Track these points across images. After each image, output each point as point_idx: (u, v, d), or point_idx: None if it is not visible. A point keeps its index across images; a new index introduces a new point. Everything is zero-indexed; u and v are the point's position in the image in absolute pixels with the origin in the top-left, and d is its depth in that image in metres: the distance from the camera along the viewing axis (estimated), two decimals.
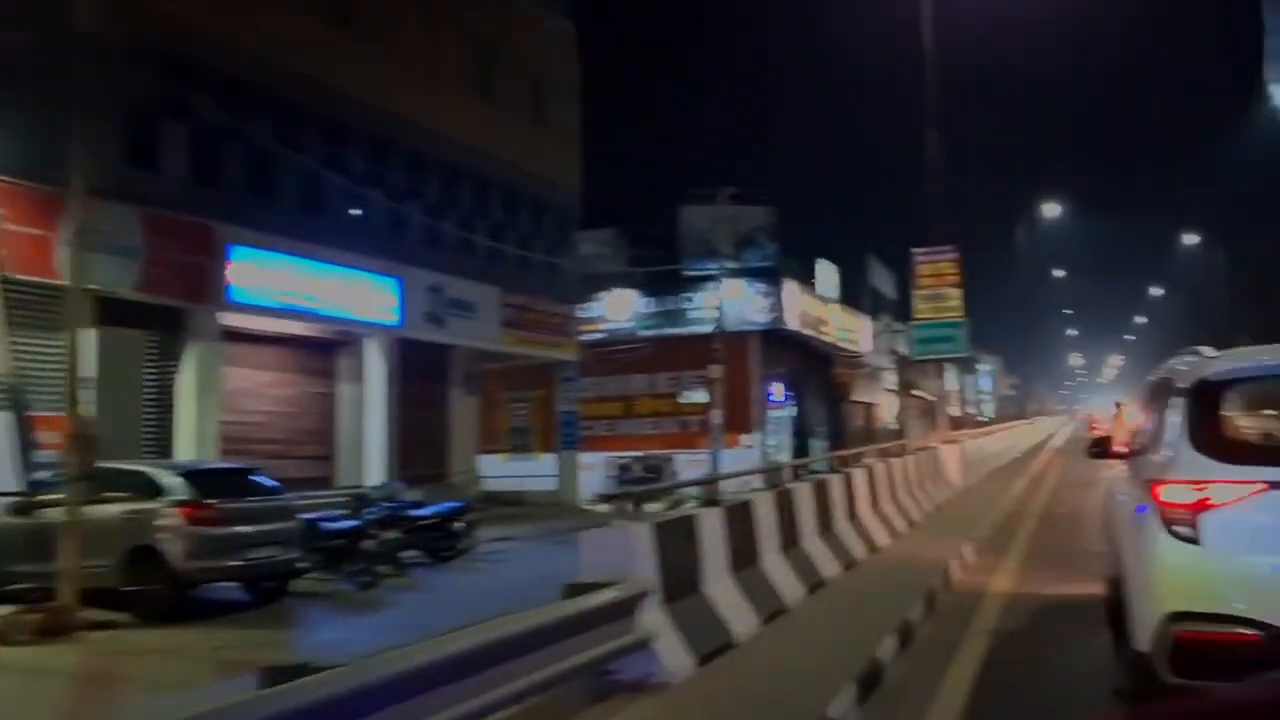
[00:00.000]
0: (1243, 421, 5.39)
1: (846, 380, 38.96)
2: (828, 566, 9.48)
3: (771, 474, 13.10)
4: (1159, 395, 5.83)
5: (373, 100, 18.99)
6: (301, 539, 12.01)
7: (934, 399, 54.93)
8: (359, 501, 13.99)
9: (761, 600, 7.61)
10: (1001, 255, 57.63)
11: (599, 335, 31.36)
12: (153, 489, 11.11)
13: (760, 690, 5.97)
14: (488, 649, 4.39)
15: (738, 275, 30.17)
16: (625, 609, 5.63)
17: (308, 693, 3.33)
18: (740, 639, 6.91)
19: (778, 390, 32.29)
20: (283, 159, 17.44)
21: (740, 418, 30.15)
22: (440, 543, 14.80)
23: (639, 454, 30.38)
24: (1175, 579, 4.75)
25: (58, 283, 11.48)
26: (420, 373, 20.91)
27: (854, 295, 39.47)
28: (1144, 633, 4.78)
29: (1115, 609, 5.78)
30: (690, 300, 30.23)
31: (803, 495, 9.63)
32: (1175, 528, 4.73)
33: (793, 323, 30.48)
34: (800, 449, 33.67)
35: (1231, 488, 4.70)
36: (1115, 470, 7.20)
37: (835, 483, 10.81)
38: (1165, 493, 4.83)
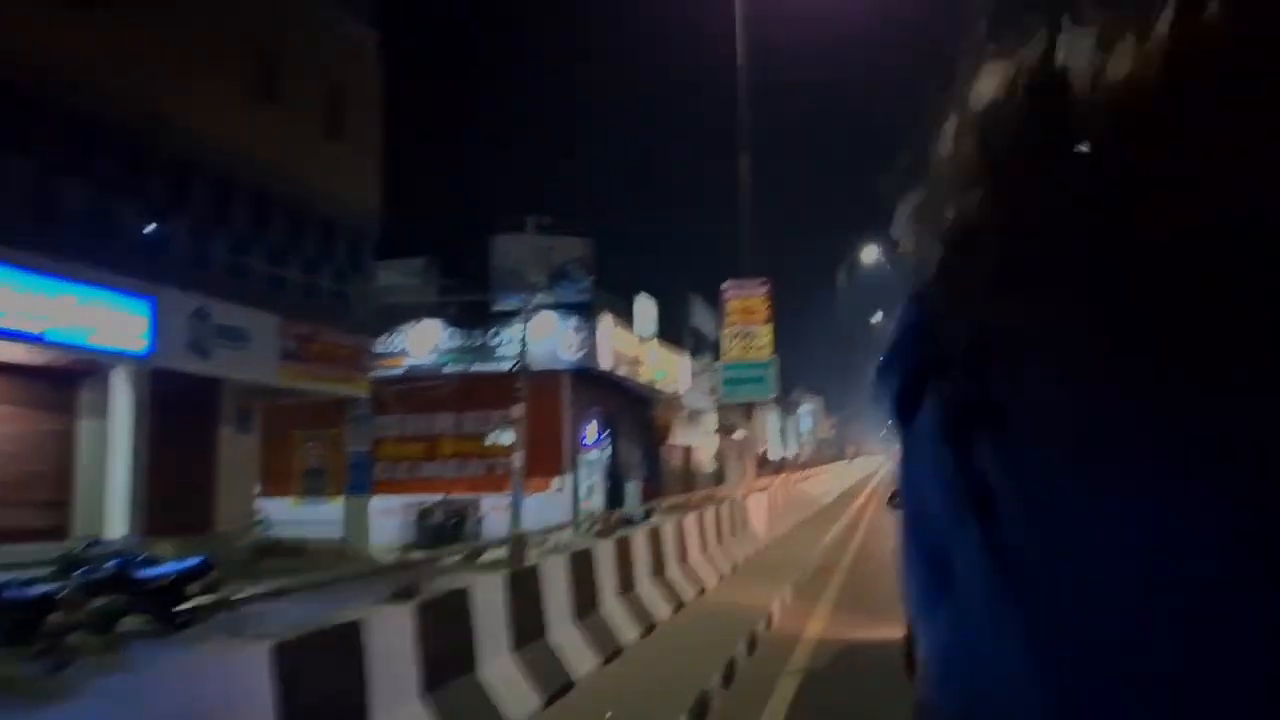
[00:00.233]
0: None
1: (665, 422, 37.86)
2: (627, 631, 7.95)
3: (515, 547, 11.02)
4: None
5: (125, 96, 16.67)
6: None
7: (744, 442, 54.73)
8: (66, 561, 11.71)
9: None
10: (827, 294, 57.91)
11: (400, 371, 29.40)
12: None
13: None
14: None
15: (551, 309, 28.72)
16: None
17: None
18: None
19: (591, 431, 30.83)
20: (8, 159, 15.00)
21: (550, 460, 28.54)
22: (172, 608, 12.59)
23: (442, 498, 28.40)
24: None
25: None
26: (181, 408, 18.50)
27: (674, 333, 38.52)
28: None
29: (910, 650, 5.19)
30: (499, 335, 28.50)
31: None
32: None
33: (605, 361, 29.09)
34: (614, 492, 32.28)
35: None
36: None
37: (603, 554, 9.24)
38: None
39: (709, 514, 12.44)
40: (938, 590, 0.29)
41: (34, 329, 14.95)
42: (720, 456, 40.55)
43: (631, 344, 31.95)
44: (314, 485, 27.94)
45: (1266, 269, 0.20)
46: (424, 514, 28.16)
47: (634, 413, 33.90)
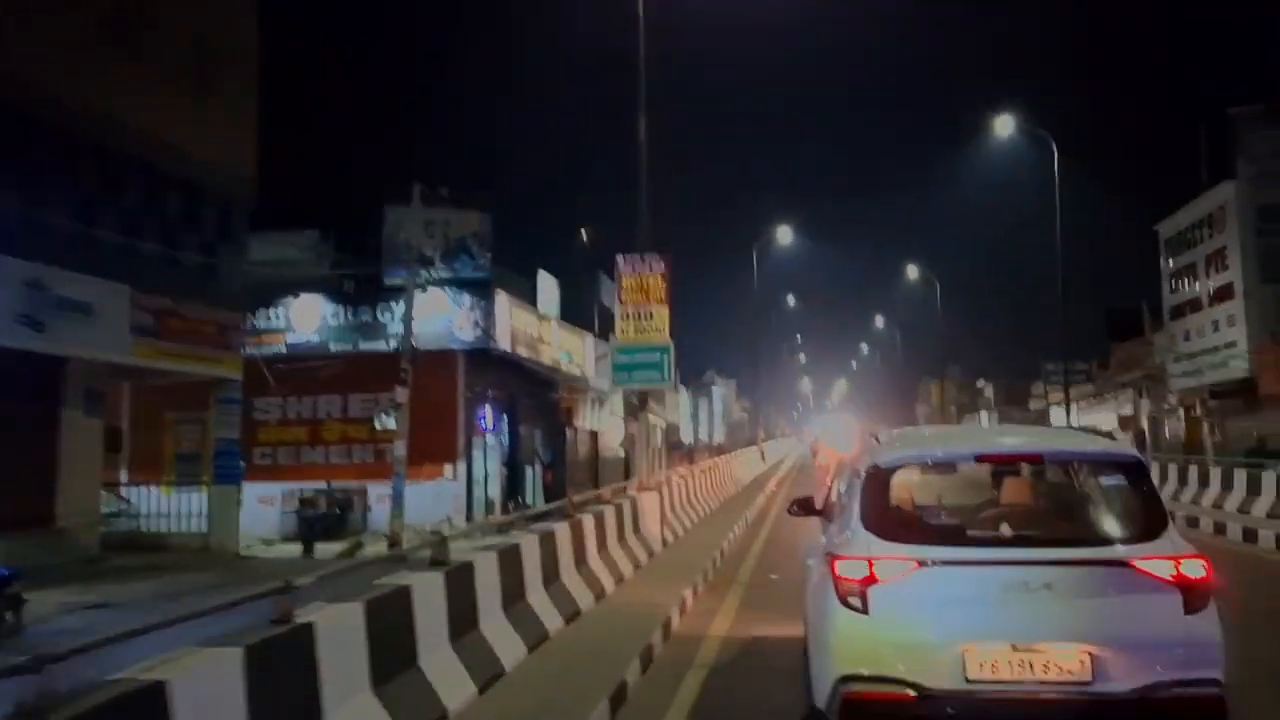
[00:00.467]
0: (910, 495, 6.34)
1: (570, 405, 36.39)
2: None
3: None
4: (849, 474, 6.34)
5: None
6: None
7: (655, 426, 53.47)
8: None
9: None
10: (742, 277, 56.87)
11: (281, 349, 27.48)
12: None
13: None
14: None
15: (446, 286, 27.03)
16: None
17: None
18: None
19: (489, 415, 29.23)
20: None
21: (443, 446, 26.90)
22: None
23: (326, 486, 26.60)
24: (846, 645, 5.29)
25: None
26: (12, 389, 16.59)
27: (580, 313, 37.03)
28: (820, 691, 5.38)
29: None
30: (391, 313, 26.69)
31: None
32: (848, 599, 5.26)
33: (504, 341, 27.49)
34: (513, 479, 30.76)
35: (894, 564, 5.24)
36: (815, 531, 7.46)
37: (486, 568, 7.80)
38: (840, 567, 5.36)
39: (588, 524, 11.00)
40: None
41: None
42: (628, 442, 39.28)
43: (532, 324, 30.39)
44: (188, 472, 25.83)
45: None
46: (305, 503, 26.34)
47: (536, 396, 32.37)
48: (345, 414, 27.57)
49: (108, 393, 20.26)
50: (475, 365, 27.52)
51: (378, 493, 25.02)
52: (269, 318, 27.52)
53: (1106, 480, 6.10)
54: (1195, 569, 5.18)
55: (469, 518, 26.86)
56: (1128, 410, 49.02)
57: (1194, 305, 39.53)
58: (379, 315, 27.32)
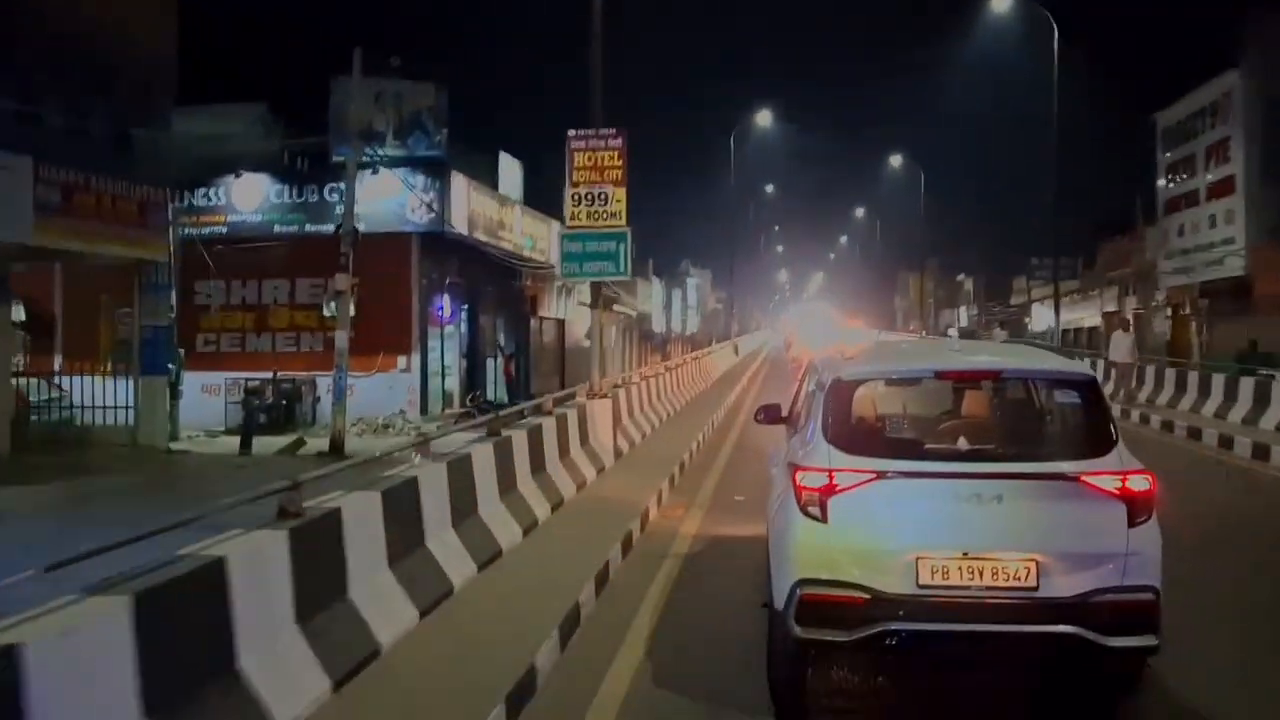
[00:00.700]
0: (874, 407, 6.68)
1: (535, 294, 34.75)
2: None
3: None
4: (814, 385, 6.51)
5: None
6: None
7: (631, 315, 52.00)
8: None
9: None
10: (721, 165, 54.75)
11: (223, 230, 25.66)
12: None
13: None
14: None
15: (398, 166, 25.16)
16: None
17: None
18: None
19: (447, 304, 27.62)
20: None
21: (396, 336, 25.39)
22: None
23: (272, 376, 25.11)
24: (804, 551, 5.51)
25: None
26: None
27: (548, 199, 35.09)
28: (780, 594, 5.59)
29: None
30: (340, 192, 24.79)
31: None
32: (808, 508, 5.50)
33: (461, 225, 25.72)
34: (473, 372, 29.33)
35: (852, 475, 5.46)
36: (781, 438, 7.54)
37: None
38: (801, 477, 5.58)
39: (518, 441, 9.46)
40: None
41: None
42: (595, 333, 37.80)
43: (493, 208, 28.54)
44: (126, 358, 24.30)
45: None
46: (251, 393, 24.89)
47: (498, 284, 30.70)
48: (293, 300, 25.96)
49: (11, 275, 18.53)
50: (431, 251, 25.82)
51: (327, 384, 23.48)
52: (208, 197, 25.66)
53: (1061, 397, 6.34)
54: (1139, 484, 5.42)
55: (424, 411, 25.50)
56: (1112, 308, 47.83)
57: (1190, 200, 37.81)
58: (326, 195, 25.50)
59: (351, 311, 21.34)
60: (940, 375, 6.44)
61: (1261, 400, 19.24)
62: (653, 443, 16.69)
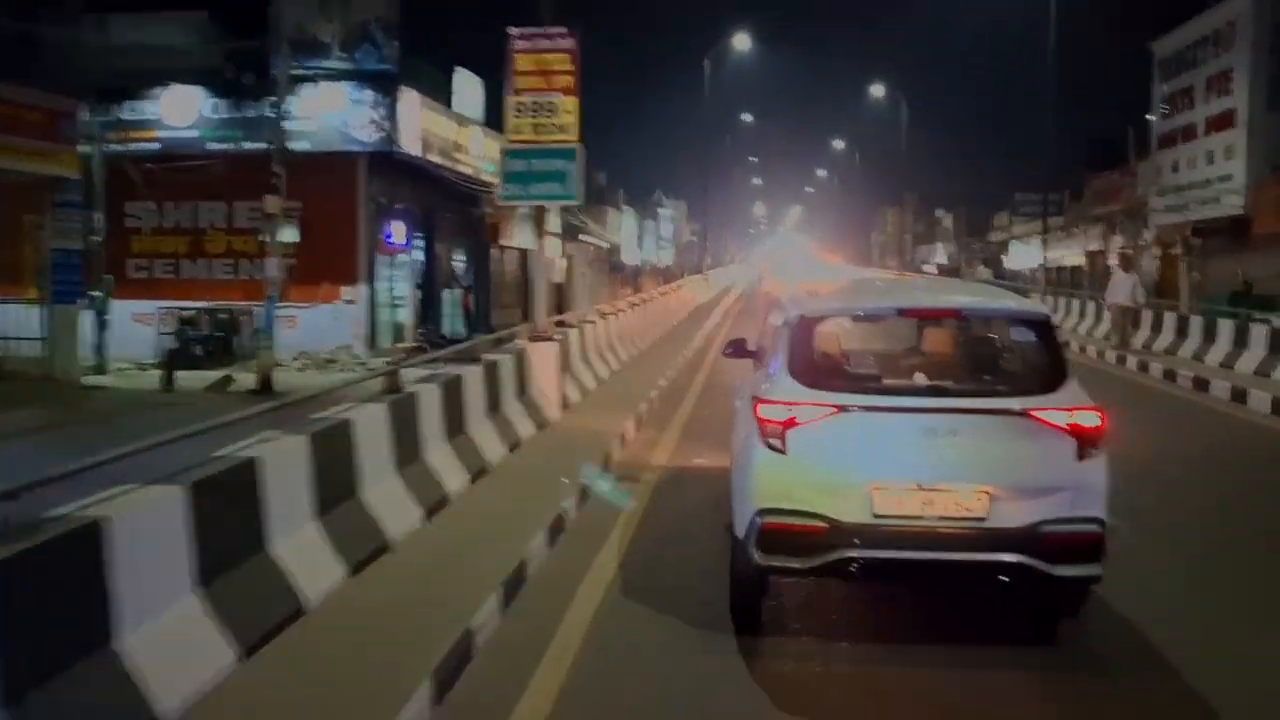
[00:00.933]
0: (837, 343, 6.76)
1: (497, 221, 32.87)
2: None
3: None
4: (779, 321, 6.45)
5: None
6: None
7: (602, 246, 50.13)
8: None
9: None
10: (697, 92, 52.50)
11: (155, 147, 23.64)
12: None
13: None
14: None
15: (345, 79, 23.19)
16: None
17: None
18: None
19: (398, 231, 25.79)
20: None
21: (342, 264, 23.61)
22: None
23: (208, 305, 23.36)
24: (765, 482, 5.63)
25: None
26: None
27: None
28: (741, 522, 5.73)
29: None
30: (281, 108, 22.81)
31: None
32: (769, 440, 5.59)
33: (412, 145, 23.80)
34: (428, 303, 27.60)
35: (812, 409, 5.54)
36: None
37: None
38: (764, 410, 5.66)
39: (427, 398, 7.75)
40: None
41: None
42: (538, 264, 36.07)
43: (449, 128, 26.55)
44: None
45: None
46: (186, 323, 23.19)
47: (456, 210, 28.82)
48: (230, 224, 24.11)
49: None
50: (380, 173, 23.93)
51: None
52: (136, 110, 23.59)
53: (1018, 335, 6.46)
54: (1088, 419, 5.54)
55: (372, 345, 23.81)
56: (1096, 246, 46.32)
57: (1187, 133, 35.94)
58: (268, 110, 23.49)
59: (296, 237, 19.68)
60: (903, 313, 6.49)
61: (1276, 349, 17.87)
62: (610, 388, 15.09)
